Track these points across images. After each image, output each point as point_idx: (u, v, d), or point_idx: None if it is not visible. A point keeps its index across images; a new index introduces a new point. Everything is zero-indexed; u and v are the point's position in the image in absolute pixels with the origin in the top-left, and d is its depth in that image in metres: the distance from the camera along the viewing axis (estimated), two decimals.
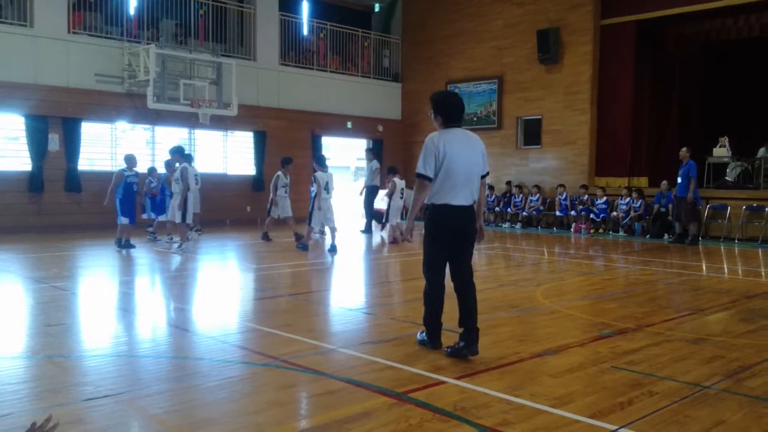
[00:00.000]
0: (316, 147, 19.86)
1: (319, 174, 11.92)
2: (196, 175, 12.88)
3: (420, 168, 5.08)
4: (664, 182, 16.09)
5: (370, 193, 16.41)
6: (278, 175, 13.72)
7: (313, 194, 12.09)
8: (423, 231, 5.28)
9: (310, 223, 12.19)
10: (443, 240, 5.20)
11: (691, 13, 16.63)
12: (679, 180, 14.44)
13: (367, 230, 16.06)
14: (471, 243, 5.30)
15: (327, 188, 11.96)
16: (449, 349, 5.15)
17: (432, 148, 5.05)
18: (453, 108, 5.23)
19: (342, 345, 5.51)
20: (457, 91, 20.55)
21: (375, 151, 18.48)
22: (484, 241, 5.13)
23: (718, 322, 6.67)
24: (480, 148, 5.26)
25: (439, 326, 5.35)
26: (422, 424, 3.73)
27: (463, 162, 5.07)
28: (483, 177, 5.31)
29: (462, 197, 5.11)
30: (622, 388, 4.41)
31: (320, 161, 12.33)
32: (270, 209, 13.88)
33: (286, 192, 13.73)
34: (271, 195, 13.86)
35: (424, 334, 5.42)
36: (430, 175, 5.05)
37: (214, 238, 14.47)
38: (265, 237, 13.84)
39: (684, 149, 14.57)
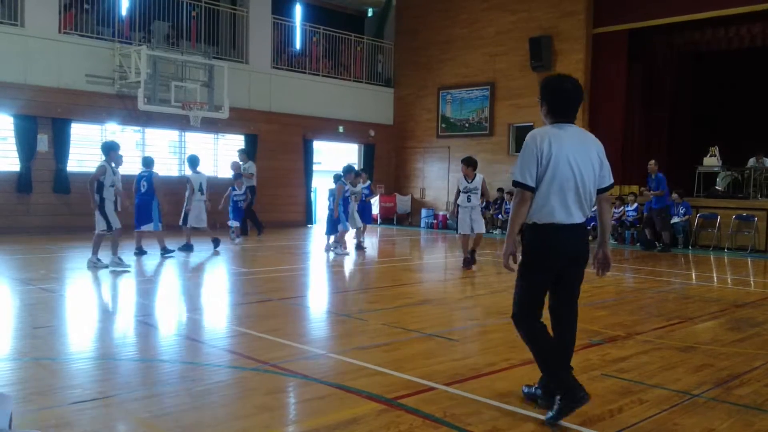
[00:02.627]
0: (307, 151, 19.85)
1: (192, 176, 12.58)
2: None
3: (517, 175, 3.90)
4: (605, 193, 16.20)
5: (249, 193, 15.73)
6: (341, 183, 12.97)
7: (188, 196, 12.51)
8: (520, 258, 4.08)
9: (184, 225, 12.50)
10: (546, 272, 3.97)
11: (683, 23, 16.75)
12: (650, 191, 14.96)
13: (244, 233, 15.55)
14: (581, 275, 4.09)
15: (201, 189, 12.54)
16: (530, 390, 4.25)
17: (533, 148, 3.86)
18: (565, 98, 4.02)
19: (331, 350, 5.49)
20: (449, 97, 20.61)
21: (248, 152, 17.11)
22: (607, 272, 4.16)
23: (708, 331, 6.69)
24: (597, 151, 4.02)
25: (566, 368, 4.00)
26: (412, 430, 3.71)
27: (574, 168, 3.88)
28: (605, 190, 4.09)
29: (576, 213, 3.93)
30: (611, 396, 4.41)
31: (193, 164, 12.75)
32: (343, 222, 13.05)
33: (355, 200, 13.44)
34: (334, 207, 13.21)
35: (534, 388, 4.23)
36: (531, 183, 3.84)
37: (204, 241, 14.40)
38: (359, 246, 13.55)
39: (652, 162, 15.09)
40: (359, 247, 13.46)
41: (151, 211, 11.56)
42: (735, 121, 18.77)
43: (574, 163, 3.87)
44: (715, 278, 11.29)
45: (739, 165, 16.89)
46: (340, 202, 12.67)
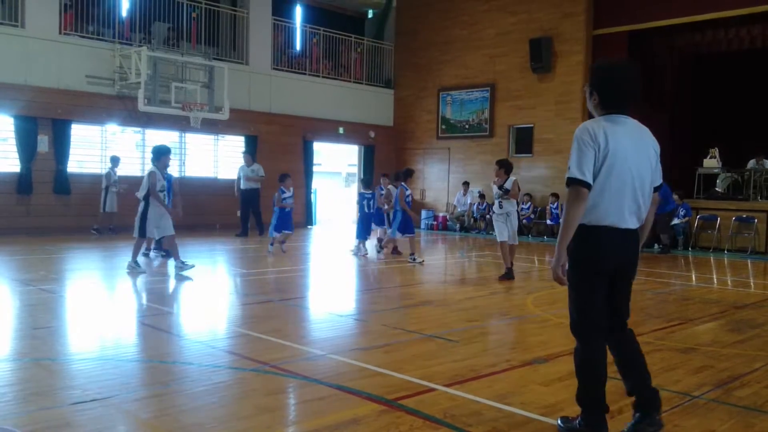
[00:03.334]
0: (307, 152, 19.86)
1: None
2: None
3: (573, 170, 3.42)
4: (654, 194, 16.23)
5: (250, 196, 16.06)
6: (401, 186, 12.39)
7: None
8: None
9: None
10: (601, 280, 3.59)
11: (682, 25, 16.76)
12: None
13: (243, 233, 15.87)
14: (629, 291, 3.83)
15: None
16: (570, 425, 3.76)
17: (589, 141, 3.43)
18: (621, 86, 3.55)
19: (332, 351, 5.48)
20: (449, 99, 20.62)
21: (253, 154, 17.13)
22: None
23: (708, 332, 6.69)
24: (653, 147, 3.65)
25: (604, 408, 3.67)
26: (412, 431, 3.71)
27: (632, 166, 3.48)
28: (656, 190, 3.70)
29: (630, 217, 3.53)
30: (612, 397, 4.38)
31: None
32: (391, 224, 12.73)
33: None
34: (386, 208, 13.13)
35: (575, 422, 3.74)
36: (589, 179, 3.41)
37: (203, 242, 14.41)
38: (395, 251, 13.15)
39: None
40: (396, 251, 13.09)
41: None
42: (735, 122, 18.78)
43: (632, 161, 3.47)
44: (715, 280, 11.29)
45: (739, 166, 16.90)
46: (396, 207, 12.08)
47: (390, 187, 13.68)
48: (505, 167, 10.01)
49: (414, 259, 11.72)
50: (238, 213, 16.45)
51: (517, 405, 4.18)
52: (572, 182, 3.42)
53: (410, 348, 5.65)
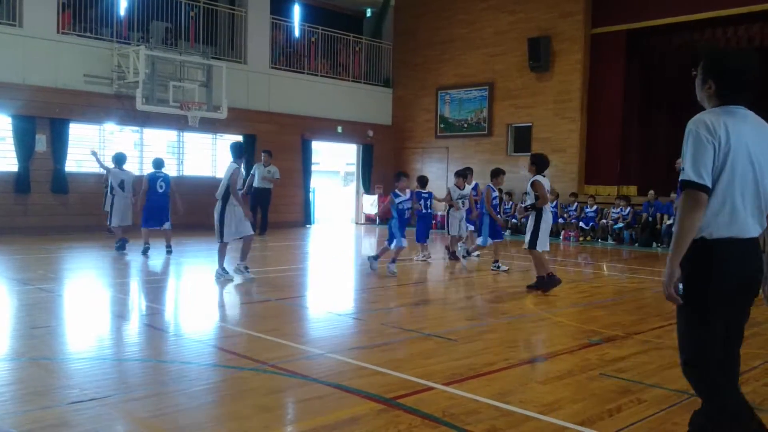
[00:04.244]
0: (305, 151, 19.85)
1: (114, 171, 12.34)
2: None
3: (689, 171, 2.91)
4: (651, 192, 16.29)
5: (262, 195, 16.34)
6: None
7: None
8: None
9: (111, 224, 12.32)
10: (726, 307, 2.97)
11: (681, 24, 16.77)
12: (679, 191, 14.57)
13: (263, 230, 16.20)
14: (749, 310, 3.17)
15: (122, 186, 12.25)
16: None
17: (707, 136, 2.91)
18: (742, 74, 3.06)
19: (330, 350, 5.48)
20: (447, 98, 20.61)
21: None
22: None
23: None
24: None
25: None
26: (411, 430, 3.71)
27: (755, 165, 2.93)
28: None
29: (753, 224, 2.96)
30: (610, 396, 4.41)
31: (119, 161, 12.52)
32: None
33: (463, 205, 12.15)
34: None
35: None
36: (708, 182, 2.87)
37: (203, 241, 14.39)
38: (464, 254, 12.40)
39: (679, 160, 14.73)
40: (454, 256, 12.27)
41: (168, 210, 11.89)
42: None
43: (755, 159, 2.91)
44: None
45: None
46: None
47: (451, 186, 12.58)
48: (536, 164, 8.90)
49: (498, 267, 10.77)
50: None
51: (516, 403, 4.17)
52: (688, 186, 2.88)
53: (409, 347, 5.65)
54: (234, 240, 9.13)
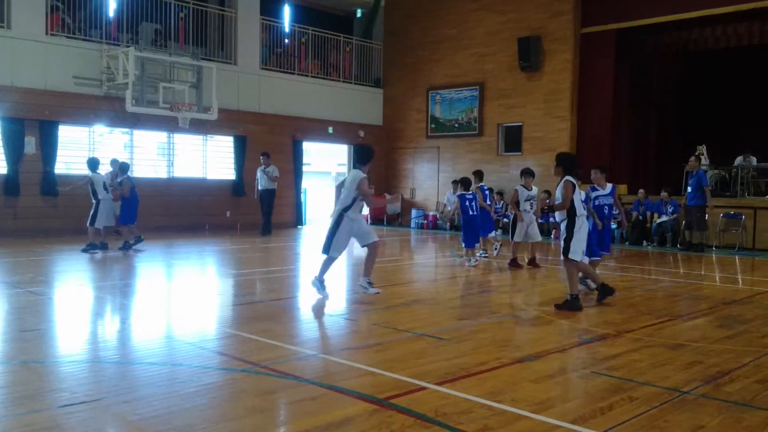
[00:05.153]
0: (296, 152, 19.82)
1: (94, 176, 12.51)
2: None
3: None
4: (641, 191, 16.37)
5: (267, 196, 16.78)
6: (518, 189, 11.38)
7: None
8: None
9: (92, 224, 12.37)
10: None
11: (670, 23, 16.86)
12: (690, 189, 14.63)
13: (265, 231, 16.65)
14: None
15: (106, 188, 12.53)
16: None
17: None
18: None
19: (322, 351, 5.47)
20: (438, 98, 20.66)
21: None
22: None
23: (696, 328, 6.73)
24: None
25: None
26: (404, 429, 3.71)
27: None
28: None
29: None
30: (602, 394, 4.43)
31: (93, 165, 12.66)
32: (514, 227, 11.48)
33: (531, 207, 11.47)
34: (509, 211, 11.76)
35: None
36: None
37: (193, 243, 14.35)
38: (514, 263, 11.19)
39: (693, 159, 14.90)
40: (515, 263, 11.21)
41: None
42: (722, 119, 18.90)
43: None
44: (704, 276, 11.35)
45: (727, 163, 16.99)
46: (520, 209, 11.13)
47: (518, 187, 11.55)
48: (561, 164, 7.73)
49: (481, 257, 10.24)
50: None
51: (508, 402, 4.18)
52: None
53: (401, 347, 5.65)
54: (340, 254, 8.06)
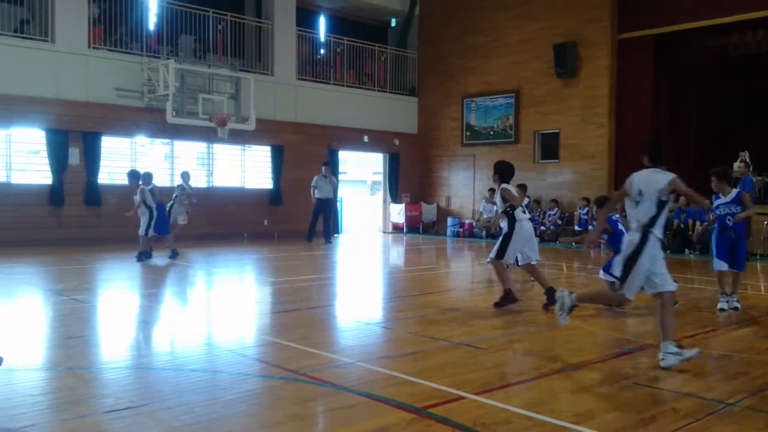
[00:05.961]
0: (333, 161, 19.95)
1: (153, 188, 12.48)
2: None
3: None
4: (682, 198, 16.01)
5: (326, 205, 17.14)
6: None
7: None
8: None
9: (146, 234, 12.35)
10: None
11: (709, 28, 16.56)
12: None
13: (310, 238, 17.01)
14: None
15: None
16: None
17: None
18: None
19: (360, 359, 5.49)
20: (473, 106, 20.61)
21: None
22: None
23: (741, 339, 6.57)
24: None
25: None
26: None
27: None
28: None
29: None
30: (644, 405, 4.36)
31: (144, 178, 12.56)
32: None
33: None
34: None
35: None
36: None
37: (232, 251, 14.53)
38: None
39: (741, 164, 14.40)
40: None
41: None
42: (764, 125, 18.46)
43: None
44: (749, 285, 11.08)
45: None
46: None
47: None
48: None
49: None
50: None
51: (548, 413, 4.14)
52: None
53: (438, 356, 5.64)
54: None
